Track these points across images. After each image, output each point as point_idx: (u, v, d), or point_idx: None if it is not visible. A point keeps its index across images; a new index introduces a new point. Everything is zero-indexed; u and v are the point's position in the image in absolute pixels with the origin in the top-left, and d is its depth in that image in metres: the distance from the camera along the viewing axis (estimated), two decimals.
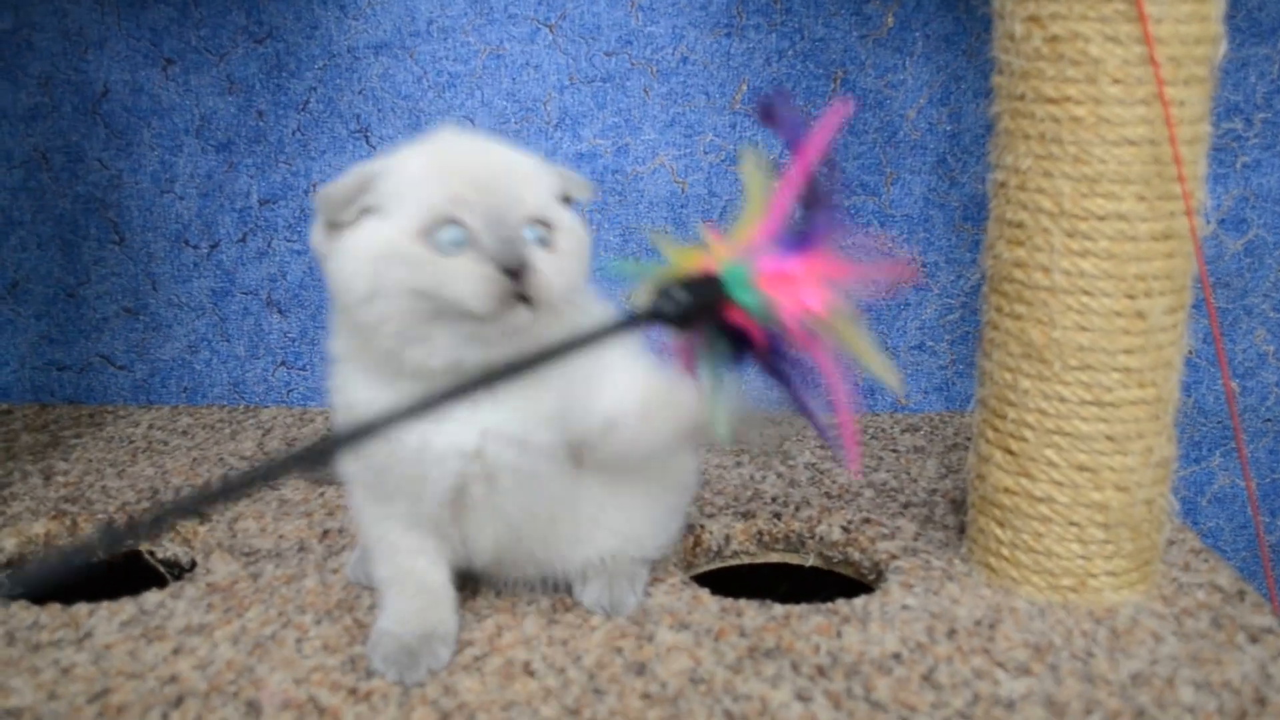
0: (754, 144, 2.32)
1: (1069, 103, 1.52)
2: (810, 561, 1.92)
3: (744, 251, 1.14)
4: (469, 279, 1.30)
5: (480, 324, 1.32)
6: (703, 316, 1.17)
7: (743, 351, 1.19)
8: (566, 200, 1.47)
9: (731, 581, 1.89)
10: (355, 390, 1.43)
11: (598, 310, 1.48)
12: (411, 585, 1.53)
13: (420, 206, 1.33)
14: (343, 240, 1.36)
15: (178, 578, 1.84)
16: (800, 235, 1.15)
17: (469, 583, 1.67)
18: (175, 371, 2.48)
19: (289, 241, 2.40)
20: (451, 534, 1.53)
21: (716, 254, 1.16)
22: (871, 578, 1.83)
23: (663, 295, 1.16)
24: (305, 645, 1.53)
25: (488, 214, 1.32)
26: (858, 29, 2.27)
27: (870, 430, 2.34)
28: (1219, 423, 2.43)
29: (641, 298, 1.20)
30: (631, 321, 1.18)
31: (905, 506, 1.98)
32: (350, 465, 1.54)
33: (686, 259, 1.17)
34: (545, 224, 1.37)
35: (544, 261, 1.34)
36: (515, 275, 1.30)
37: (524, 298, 1.31)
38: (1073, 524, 1.64)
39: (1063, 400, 1.60)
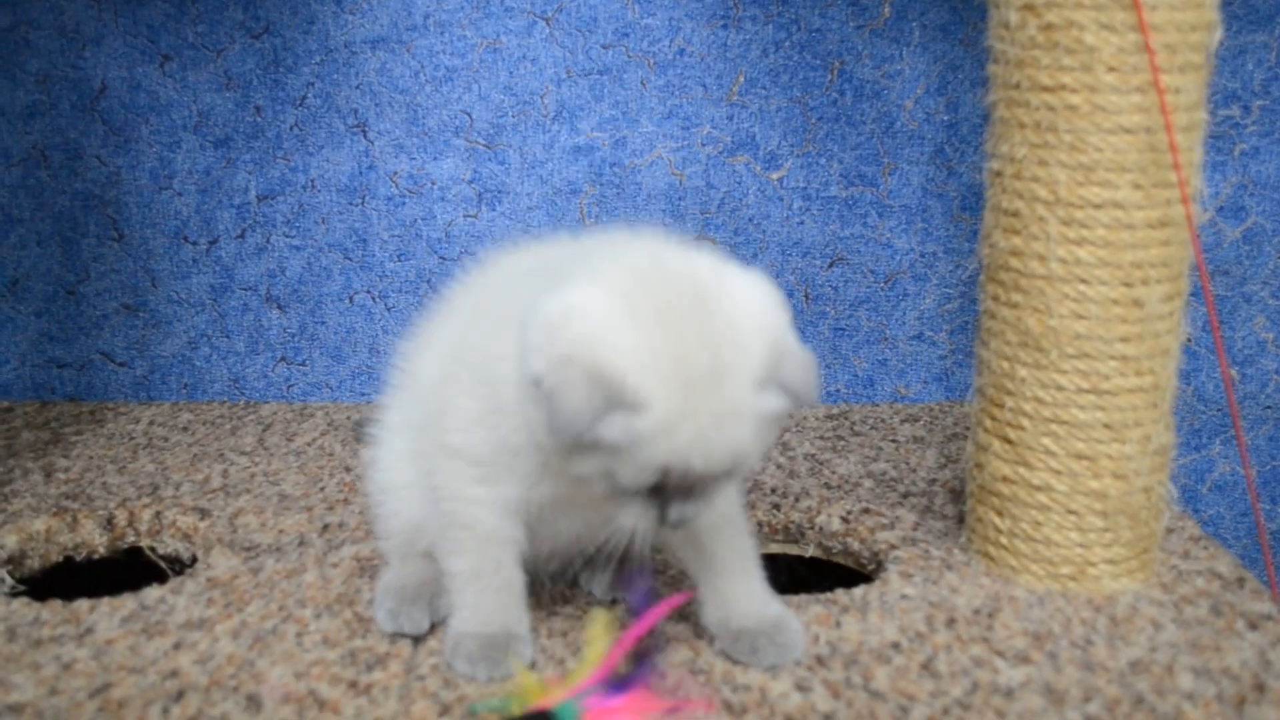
0: (751, 135, 2.32)
1: (1064, 91, 1.52)
2: (810, 552, 1.93)
3: (576, 692, 1.28)
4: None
5: None
6: None
7: None
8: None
9: None
10: None
11: None
12: (497, 579, 1.47)
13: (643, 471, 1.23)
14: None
15: (178, 573, 1.85)
16: (625, 680, 1.29)
17: None
18: (175, 368, 2.48)
19: (287, 237, 2.40)
20: (545, 522, 1.49)
21: (552, 695, 1.28)
22: (871, 568, 1.83)
23: None
24: (306, 639, 1.53)
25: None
26: (854, 19, 2.27)
27: (870, 420, 2.34)
28: (1218, 410, 2.43)
29: None
30: None
31: (904, 496, 1.98)
32: (467, 438, 1.43)
33: (527, 697, 1.29)
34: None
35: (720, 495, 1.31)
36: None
37: None
38: (1071, 512, 1.64)
39: (1060, 389, 1.60)
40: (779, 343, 1.23)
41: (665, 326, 1.18)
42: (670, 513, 1.25)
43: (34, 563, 1.88)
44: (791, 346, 1.25)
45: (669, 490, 1.24)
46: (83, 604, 1.63)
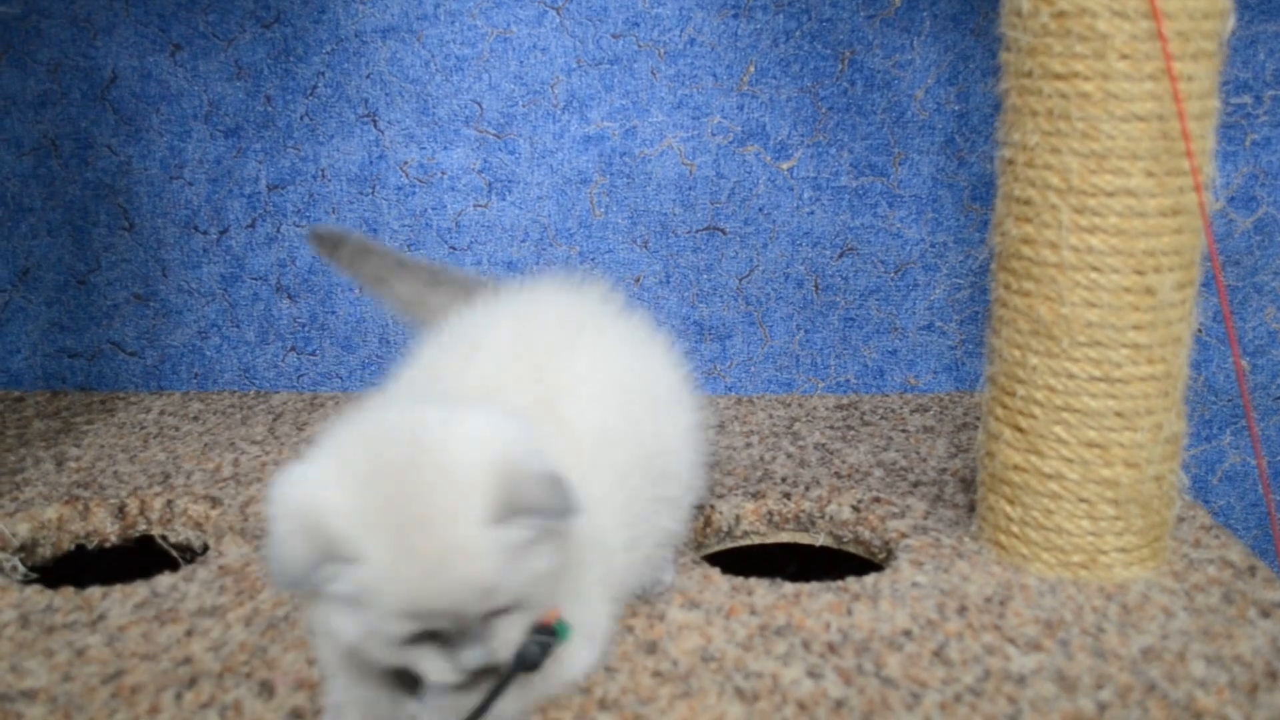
0: (762, 125, 2.32)
1: (1077, 79, 1.52)
2: (820, 541, 1.93)
3: None
4: None
5: None
6: None
7: None
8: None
9: (742, 561, 1.90)
10: None
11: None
12: None
13: (390, 620, 1.23)
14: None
15: (189, 561, 1.85)
16: None
17: None
18: (186, 357, 2.49)
19: (298, 226, 2.40)
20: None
21: None
22: (882, 556, 1.83)
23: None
24: None
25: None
26: (865, 9, 2.27)
27: (880, 410, 2.34)
28: (1229, 400, 2.42)
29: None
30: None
31: (915, 485, 1.98)
32: None
33: None
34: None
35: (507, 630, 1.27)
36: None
37: None
38: (1083, 501, 1.64)
39: (1071, 377, 1.60)
40: (512, 473, 1.23)
41: (376, 482, 1.21)
42: (461, 658, 1.23)
43: (46, 551, 1.88)
44: (529, 471, 1.24)
45: (446, 638, 1.23)
46: (95, 591, 1.63)
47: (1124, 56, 1.49)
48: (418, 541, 1.18)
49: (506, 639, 1.25)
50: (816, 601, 1.60)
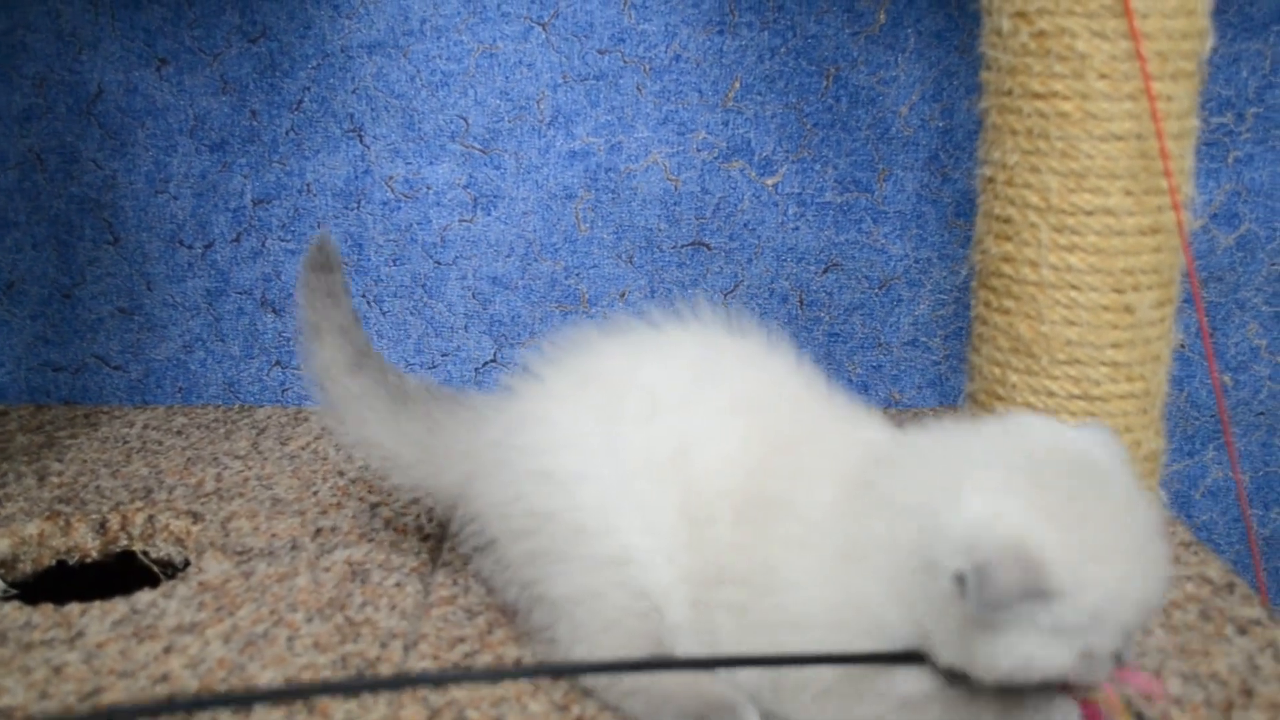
0: (747, 141, 2.33)
1: (1056, 98, 1.53)
2: None
3: None
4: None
5: None
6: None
7: None
8: None
9: None
10: None
11: None
12: None
13: (1110, 638, 1.19)
14: (996, 635, 1.18)
15: (170, 577, 1.85)
16: None
17: (461, 578, 1.68)
18: (170, 371, 2.49)
19: (283, 241, 2.40)
20: None
21: None
22: None
23: None
24: (296, 643, 1.53)
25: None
26: (850, 26, 2.27)
27: None
28: (1211, 416, 2.43)
29: None
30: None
31: None
32: None
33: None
34: None
35: None
36: None
37: None
38: None
39: (1051, 394, 1.61)
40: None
41: (1076, 510, 1.18)
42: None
43: (26, 566, 1.88)
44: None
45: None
46: (74, 608, 1.63)
47: (1103, 76, 1.50)
48: (1143, 565, 1.18)
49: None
50: None
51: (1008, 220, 1.60)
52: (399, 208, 2.38)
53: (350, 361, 1.69)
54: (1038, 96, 1.54)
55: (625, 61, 2.30)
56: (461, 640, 1.54)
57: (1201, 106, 1.59)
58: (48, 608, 1.63)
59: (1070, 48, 1.50)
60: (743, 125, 2.33)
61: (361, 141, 2.35)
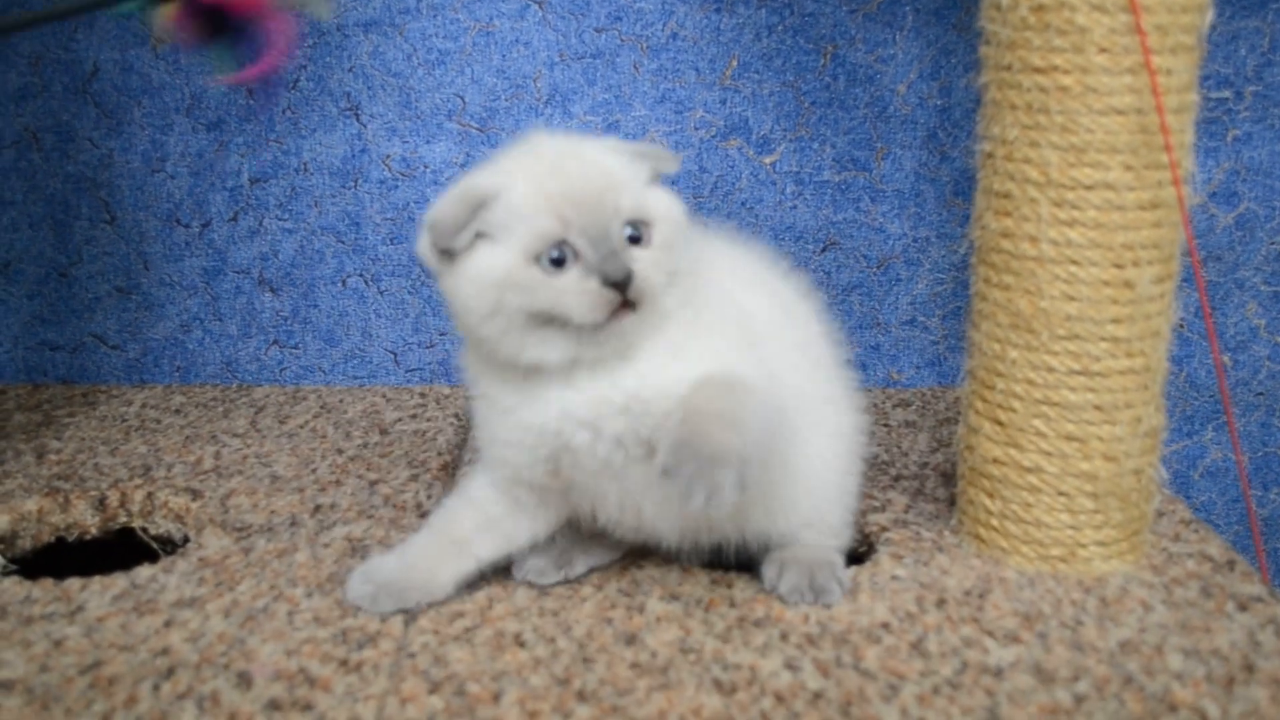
0: (744, 119, 2.32)
1: (1056, 72, 1.52)
2: None
3: None
4: (579, 296, 1.39)
5: (593, 330, 1.41)
6: None
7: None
8: (656, 179, 1.52)
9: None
10: (487, 385, 1.54)
11: (712, 279, 1.57)
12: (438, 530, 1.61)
13: (530, 234, 1.40)
14: (458, 266, 1.44)
15: (170, 554, 1.85)
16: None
17: None
18: (168, 350, 2.48)
19: (280, 220, 2.40)
20: (563, 503, 1.60)
21: None
22: (862, 550, 1.83)
23: None
24: (296, 618, 1.53)
25: (589, 231, 1.40)
26: (847, 4, 2.27)
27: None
28: (1211, 396, 2.43)
29: None
30: None
31: (896, 480, 1.98)
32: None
33: None
34: (642, 221, 1.45)
35: (643, 261, 1.42)
36: (620, 286, 1.38)
37: (629, 303, 1.40)
38: (1062, 494, 1.64)
39: (1051, 370, 1.61)
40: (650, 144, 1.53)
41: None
42: (606, 268, 1.39)
43: (26, 543, 1.88)
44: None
45: (588, 260, 1.40)
46: (74, 582, 1.63)
47: (1103, 50, 1.49)
48: (561, 163, 1.44)
49: (659, 264, 1.44)
50: None
51: (1007, 195, 1.59)
52: (396, 186, 2.37)
53: None
54: (1037, 71, 1.53)
55: (622, 40, 2.29)
56: (461, 614, 1.54)
57: (1200, 84, 1.59)
58: (48, 582, 1.63)
59: (1070, 21, 1.49)
60: (740, 104, 2.32)
61: (358, 120, 2.34)
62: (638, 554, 1.69)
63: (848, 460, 1.71)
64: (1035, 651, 1.47)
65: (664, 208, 1.48)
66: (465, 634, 1.50)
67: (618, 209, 1.42)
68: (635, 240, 1.43)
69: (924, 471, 2.01)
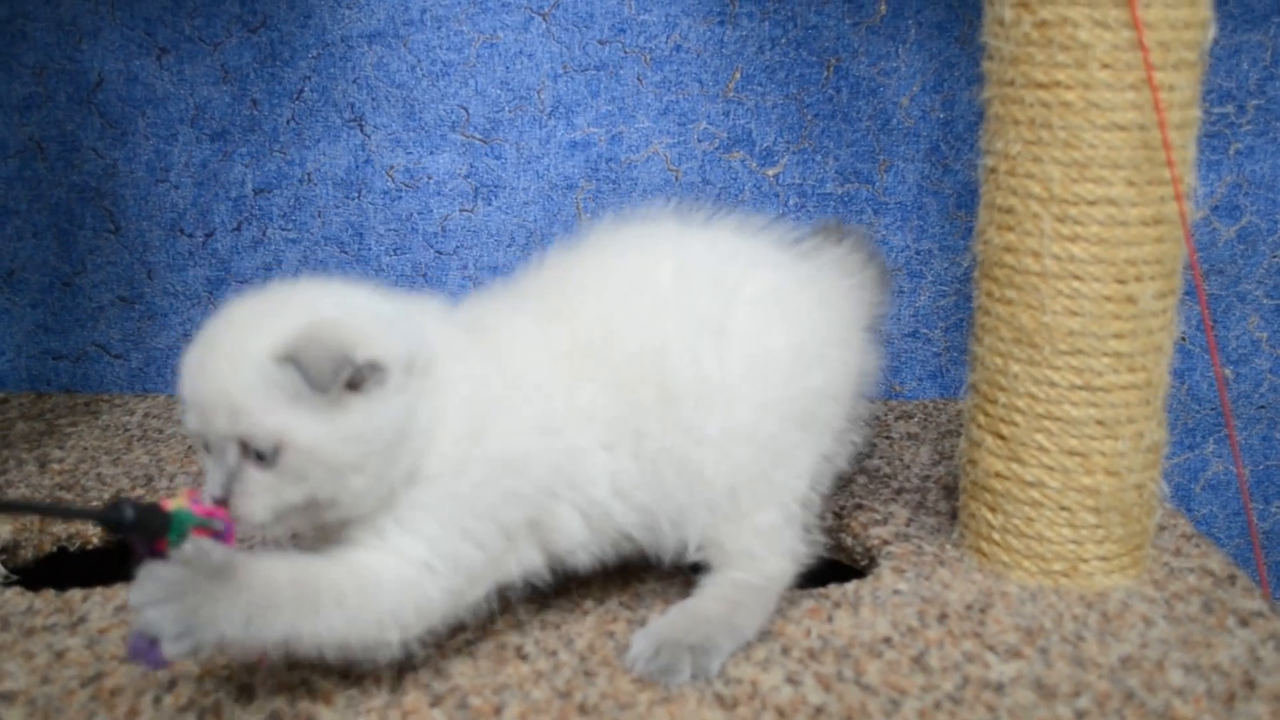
0: (747, 131, 2.33)
1: (1058, 88, 1.52)
2: None
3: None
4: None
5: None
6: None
7: None
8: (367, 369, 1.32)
9: None
10: None
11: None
12: None
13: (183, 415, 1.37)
14: None
15: None
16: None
17: None
18: (171, 360, 2.48)
19: (284, 230, 2.40)
20: None
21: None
22: (864, 563, 1.83)
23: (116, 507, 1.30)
24: None
25: (209, 440, 1.33)
26: (851, 16, 2.27)
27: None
28: (1212, 409, 2.43)
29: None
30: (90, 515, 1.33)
31: (898, 493, 1.98)
32: None
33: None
34: (260, 445, 1.30)
35: (254, 484, 1.32)
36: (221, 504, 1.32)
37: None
38: (1063, 509, 1.64)
39: (1053, 385, 1.61)
40: (320, 335, 1.30)
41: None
42: (209, 484, 1.32)
43: (27, 553, 1.87)
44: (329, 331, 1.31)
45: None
46: (76, 593, 1.63)
47: (1105, 66, 1.50)
48: (205, 352, 1.33)
49: (248, 486, 1.31)
50: (797, 608, 1.60)
51: (1010, 210, 1.59)
52: (400, 197, 2.37)
53: None
54: (1040, 86, 1.53)
55: (626, 52, 2.30)
56: (463, 628, 1.53)
57: (1202, 98, 1.59)
58: (49, 593, 1.63)
59: (1073, 37, 1.50)
60: (743, 116, 2.33)
61: (362, 131, 2.35)
62: (640, 568, 1.69)
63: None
64: (1036, 667, 1.47)
65: (305, 433, 1.30)
66: (467, 647, 1.50)
67: (233, 427, 1.30)
68: (261, 457, 1.30)
69: (926, 484, 2.01)
